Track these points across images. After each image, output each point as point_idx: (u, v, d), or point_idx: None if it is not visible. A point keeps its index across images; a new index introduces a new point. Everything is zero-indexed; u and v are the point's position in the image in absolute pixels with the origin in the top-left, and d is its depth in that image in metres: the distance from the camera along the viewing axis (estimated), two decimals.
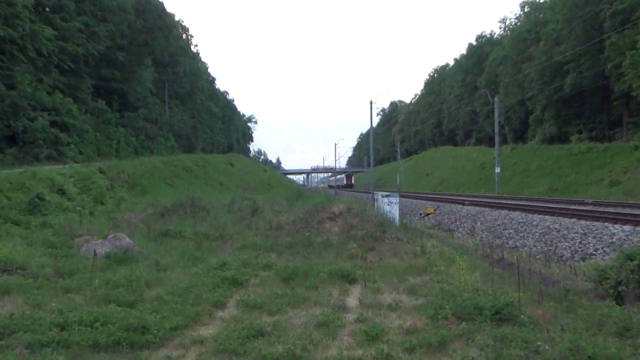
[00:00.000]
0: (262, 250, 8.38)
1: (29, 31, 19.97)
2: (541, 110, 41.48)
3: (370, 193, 27.43)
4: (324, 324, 4.49)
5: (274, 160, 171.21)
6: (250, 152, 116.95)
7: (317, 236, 9.80)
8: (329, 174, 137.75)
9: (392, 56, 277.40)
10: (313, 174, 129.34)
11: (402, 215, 15.86)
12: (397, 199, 14.81)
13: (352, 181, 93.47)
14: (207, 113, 63.03)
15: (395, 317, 4.77)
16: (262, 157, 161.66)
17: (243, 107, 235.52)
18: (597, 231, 10.62)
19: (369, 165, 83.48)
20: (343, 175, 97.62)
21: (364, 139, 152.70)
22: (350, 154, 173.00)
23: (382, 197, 14.73)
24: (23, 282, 5.78)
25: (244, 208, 13.75)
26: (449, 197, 28.25)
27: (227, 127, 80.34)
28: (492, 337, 3.97)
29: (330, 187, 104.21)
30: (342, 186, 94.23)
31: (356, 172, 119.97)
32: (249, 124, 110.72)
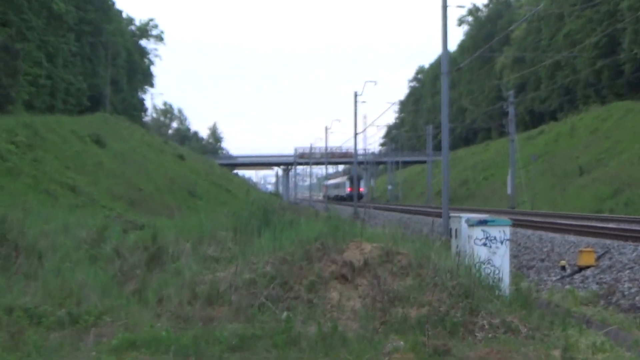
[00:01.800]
0: (174, 355, 8.59)
1: None
2: None
3: (441, 216, 27.86)
4: None
5: (206, 135, 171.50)
6: (146, 110, 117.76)
7: (308, 320, 9.98)
8: (343, 166, 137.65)
9: None
10: (300, 168, 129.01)
11: (516, 269, 16.84)
12: (508, 230, 15.39)
13: (362, 188, 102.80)
14: (41, 16, 63.13)
15: None
16: (173, 123, 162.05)
17: (131, 6, 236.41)
18: None
19: (437, 147, 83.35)
20: (343, 179, 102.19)
21: (425, 82, 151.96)
22: (391, 119, 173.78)
23: (470, 225, 15.31)
24: None
25: (128, 250, 14.14)
26: (634, 227, 28.23)
27: (92, 52, 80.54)
28: None
29: (329, 198, 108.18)
30: (337, 197, 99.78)
31: (407, 162, 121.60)
32: (142, 42, 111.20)
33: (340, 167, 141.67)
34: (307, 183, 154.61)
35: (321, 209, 57.61)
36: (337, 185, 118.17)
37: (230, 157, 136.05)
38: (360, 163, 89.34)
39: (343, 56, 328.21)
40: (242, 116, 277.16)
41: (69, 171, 41.55)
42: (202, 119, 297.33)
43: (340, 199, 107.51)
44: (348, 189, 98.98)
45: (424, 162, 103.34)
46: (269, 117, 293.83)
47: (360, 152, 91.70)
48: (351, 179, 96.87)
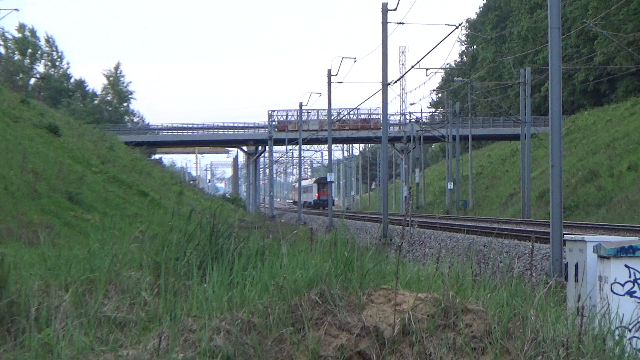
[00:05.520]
0: None
1: None
2: None
3: (548, 240, 22.91)
4: None
5: (102, 89, 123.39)
6: None
7: None
8: (362, 147, 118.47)
9: None
10: (280, 150, 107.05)
11: None
12: None
13: (328, 192, 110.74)
14: None
15: None
16: (38, 65, 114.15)
17: None
18: None
19: (538, 109, 60.38)
20: (310, 182, 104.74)
21: None
22: (451, 56, 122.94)
23: (603, 257, 12.17)
24: None
25: None
26: None
27: None
28: None
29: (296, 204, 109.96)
30: (305, 204, 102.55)
31: (482, 138, 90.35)
32: None
33: (357, 149, 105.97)
34: (292, 178, 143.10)
35: (319, 227, 45.65)
36: (305, 189, 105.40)
37: (148, 129, 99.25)
38: (393, 139, 65.03)
39: None
40: (170, 55, 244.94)
41: None
42: (94, 59, 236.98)
43: (308, 206, 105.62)
44: (316, 195, 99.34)
45: (515, 137, 75.35)
46: (219, 57, 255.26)
47: (393, 119, 62.26)
48: (318, 183, 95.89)
